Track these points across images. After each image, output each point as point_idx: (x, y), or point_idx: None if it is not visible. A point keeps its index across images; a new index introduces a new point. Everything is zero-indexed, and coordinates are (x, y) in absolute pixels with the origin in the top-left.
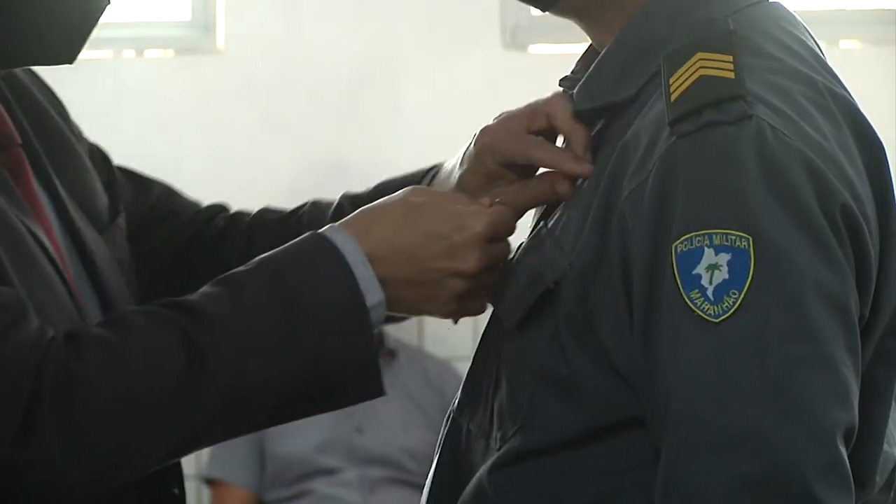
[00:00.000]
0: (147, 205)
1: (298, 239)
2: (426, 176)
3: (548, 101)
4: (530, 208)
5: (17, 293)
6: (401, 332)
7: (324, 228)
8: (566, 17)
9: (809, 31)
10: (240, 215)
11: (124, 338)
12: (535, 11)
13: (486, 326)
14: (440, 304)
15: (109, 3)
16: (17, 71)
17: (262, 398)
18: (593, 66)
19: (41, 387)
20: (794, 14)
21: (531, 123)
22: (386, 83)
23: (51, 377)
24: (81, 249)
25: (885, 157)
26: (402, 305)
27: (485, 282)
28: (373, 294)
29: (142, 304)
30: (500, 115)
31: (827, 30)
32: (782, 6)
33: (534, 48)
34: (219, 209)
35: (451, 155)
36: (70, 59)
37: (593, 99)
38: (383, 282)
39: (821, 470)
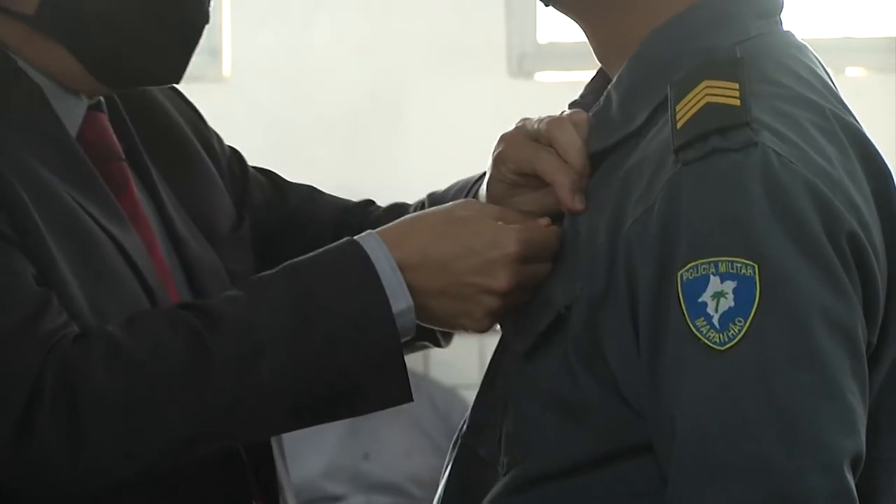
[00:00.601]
0: (287, 211)
1: (334, 244)
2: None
3: (558, 126)
4: (552, 216)
5: (42, 291)
6: (406, 358)
7: (361, 234)
8: (568, 14)
9: (819, 59)
10: (373, 210)
11: (132, 337)
12: (542, 38)
13: (495, 350)
14: (474, 319)
15: (208, 21)
16: None
17: (276, 398)
18: (603, 99)
19: (42, 385)
20: (804, 43)
21: (538, 136)
22: (393, 111)
23: (53, 376)
24: (184, 261)
25: (893, 184)
26: (435, 317)
27: (517, 300)
28: (399, 300)
29: None
30: (519, 122)
31: (833, 57)
32: (792, 35)
33: (540, 76)
34: (364, 205)
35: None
36: (176, 78)
37: (606, 138)
38: (413, 290)
39: (827, 498)
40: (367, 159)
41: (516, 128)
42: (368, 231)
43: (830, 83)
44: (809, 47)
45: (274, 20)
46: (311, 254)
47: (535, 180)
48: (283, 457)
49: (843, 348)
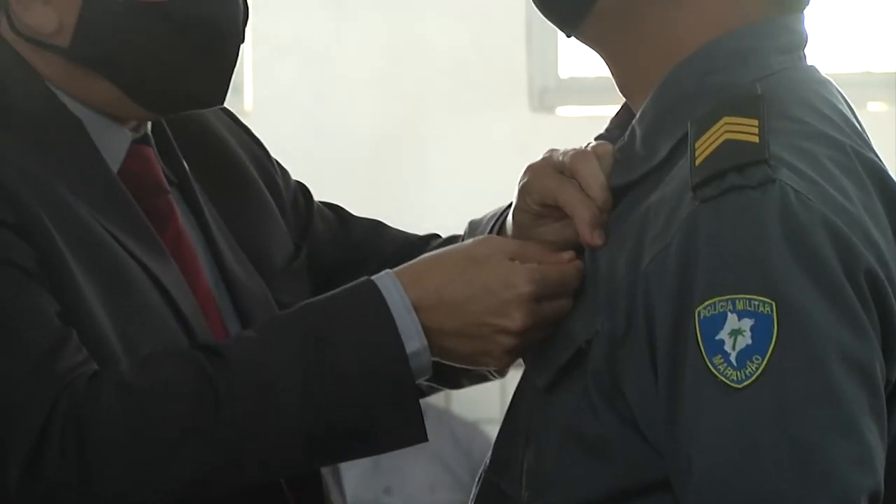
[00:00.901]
0: (350, 244)
1: (352, 283)
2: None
3: (581, 159)
4: (575, 247)
5: (61, 329)
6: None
7: (378, 274)
8: (591, 46)
9: (844, 95)
10: (437, 244)
11: (143, 378)
12: (563, 73)
13: (518, 385)
14: (495, 358)
15: (243, 40)
16: (208, 113)
17: (287, 440)
18: (627, 134)
19: (52, 425)
20: (828, 79)
21: (562, 167)
22: (415, 144)
23: (63, 416)
24: (232, 291)
25: None
26: (454, 356)
27: (535, 338)
28: (413, 341)
29: None
30: (546, 153)
31: (854, 92)
32: (815, 69)
33: (561, 110)
34: (429, 239)
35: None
36: (219, 100)
37: (628, 173)
38: (428, 331)
39: None
40: (389, 193)
41: (543, 159)
42: (386, 270)
43: (853, 118)
44: (833, 82)
45: (295, 54)
46: (329, 293)
47: (558, 211)
48: (340, 484)
49: (861, 386)
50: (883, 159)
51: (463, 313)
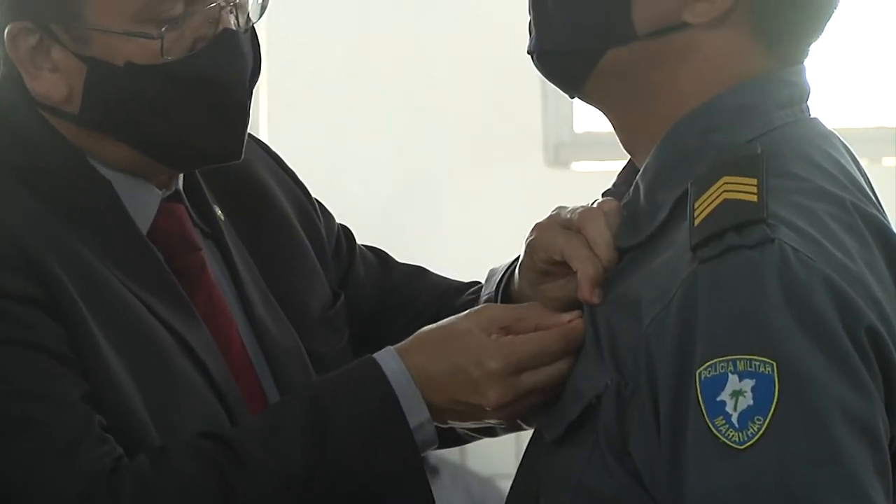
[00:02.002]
0: (388, 289)
1: (354, 362)
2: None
3: (589, 217)
4: (575, 305)
5: (83, 418)
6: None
7: (379, 352)
8: (594, 105)
9: (848, 147)
10: (476, 290)
11: (161, 474)
12: (579, 127)
13: (529, 441)
14: (490, 420)
15: (250, 98)
16: (252, 156)
17: None
18: (632, 189)
19: None
20: (831, 132)
21: (569, 224)
22: (428, 199)
23: None
24: (263, 344)
25: None
26: (458, 422)
27: (525, 407)
28: (417, 414)
29: None
30: (554, 210)
31: (869, 147)
32: (818, 122)
33: (577, 165)
34: (469, 286)
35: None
36: (236, 156)
37: (633, 236)
38: (435, 407)
39: None
40: (404, 248)
41: (550, 216)
42: (387, 347)
43: (856, 173)
44: (837, 135)
45: (310, 112)
46: (332, 373)
47: (564, 268)
48: None
49: (864, 445)
50: None
51: (443, 391)
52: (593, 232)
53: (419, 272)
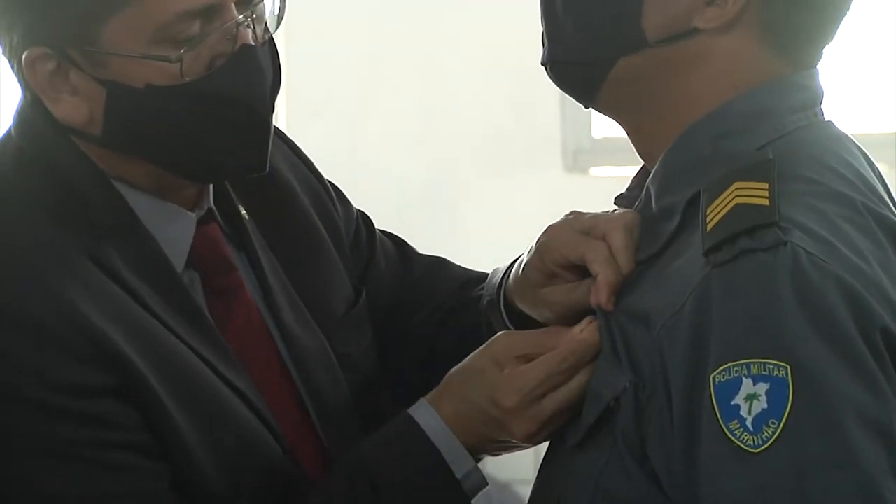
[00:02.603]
0: (411, 281)
1: (391, 422)
2: (512, 266)
3: (615, 227)
4: (570, 313)
5: (154, 489)
6: None
7: (414, 406)
8: (608, 115)
9: (863, 150)
10: (471, 286)
11: None
12: (597, 133)
13: (549, 445)
14: (527, 444)
15: (273, 110)
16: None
17: None
18: (644, 194)
19: None
20: (845, 134)
21: (590, 230)
22: (447, 205)
23: None
24: (293, 353)
25: None
26: (495, 454)
27: (557, 425)
28: (461, 465)
29: (362, 397)
30: (568, 214)
31: (887, 153)
32: (831, 125)
33: (595, 170)
34: (484, 277)
35: None
36: (262, 168)
37: (650, 247)
38: (470, 447)
39: None
40: (425, 249)
41: (565, 219)
42: (420, 400)
43: (870, 175)
44: (851, 138)
45: (327, 117)
46: (375, 436)
47: (573, 273)
48: None
49: (880, 446)
50: None
51: (474, 432)
52: (618, 241)
53: (439, 264)
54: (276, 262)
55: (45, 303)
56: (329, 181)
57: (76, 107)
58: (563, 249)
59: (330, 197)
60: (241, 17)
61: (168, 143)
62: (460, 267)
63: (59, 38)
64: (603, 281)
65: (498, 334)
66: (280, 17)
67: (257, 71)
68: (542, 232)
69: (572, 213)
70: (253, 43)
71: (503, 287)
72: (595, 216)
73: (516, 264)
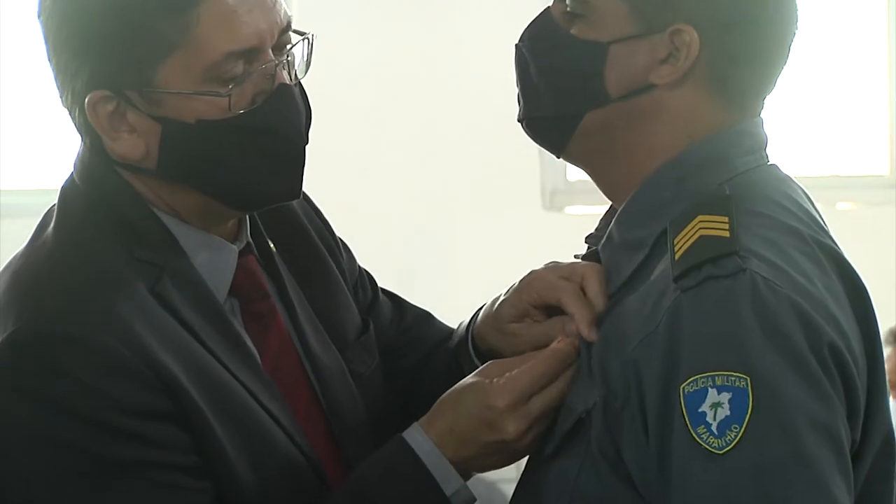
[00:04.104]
0: (402, 327)
1: (385, 446)
2: (479, 311)
3: (589, 269)
4: (536, 345)
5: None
6: None
7: (408, 430)
8: (577, 164)
9: (804, 189)
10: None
11: None
12: (571, 176)
13: (528, 459)
14: (519, 455)
15: (307, 142)
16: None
17: None
18: (606, 235)
19: None
20: (788, 175)
21: (570, 276)
22: (441, 240)
23: None
24: (316, 371)
25: (868, 295)
26: (489, 468)
27: (537, 433)
28: (450, 483)
29: (375, 414)
30: (548, 263)
31: (825, 194)
32: (776, 168)
33: (570, 209)
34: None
35: None
36: (296, 195)
37: (617, 279)
38: (459, 464)
39: None
40: (422, 277)
41: (545, 266)
42: (413, 424)
43: (811, 209)
44: (792, 178)
45: (335, 162)
46: (370, 459)
47: (540, 315)
48: None
49: (828, 448)
50: (854, 253)
51: (472, 442)
52: (593, 285)
53: (427, 316)
54: (297, 288)
55: (113, 333)
56: (340, 238)
57: (134, 143)
58: (542, 290)
59: (337, 245)
60: (277, 59)
61: (216, 173)
62: (441, 322)
63: (119, 81)
64: (581, 320)
65: (487, 363)
66: (308, 65)
67: (294, 107)
68: (525, 275)
69: (552, 262)
70: (289, 82)
71: (471, 328)
72: (572, 265)
73: (486, 306)
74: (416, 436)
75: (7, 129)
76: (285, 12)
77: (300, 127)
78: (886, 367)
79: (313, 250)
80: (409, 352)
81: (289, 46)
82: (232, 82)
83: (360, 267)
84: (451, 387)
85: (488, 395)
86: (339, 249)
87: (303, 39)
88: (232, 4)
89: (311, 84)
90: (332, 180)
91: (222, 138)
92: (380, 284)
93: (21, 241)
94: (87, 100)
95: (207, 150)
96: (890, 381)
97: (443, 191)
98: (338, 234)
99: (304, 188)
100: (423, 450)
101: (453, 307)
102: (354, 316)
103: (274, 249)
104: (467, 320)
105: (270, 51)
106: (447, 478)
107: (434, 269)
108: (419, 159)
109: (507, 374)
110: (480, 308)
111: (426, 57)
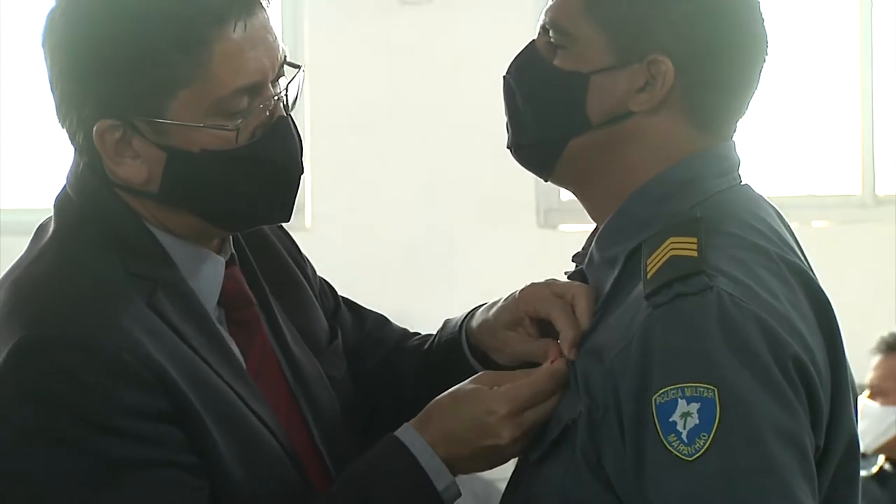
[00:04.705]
0: (364, 333)
1: (380, 443)
2: (476, 309)
3: (580, 290)
4: (523, 358)
5: (196, 501)
6: None
7: (399, 430)
8: (564, 186)
9: (775, 208)
10: (407, 339)
11: None
12: (564, 197)
13: (518, 461)
14: (504, 459)
15: (303, 171)
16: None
17: None
18: (588, 254)
19: None
20: (760, 195)
21: (563, 294)
22: (444, 253)
23: None
24: (297, 376)
25: (832, 310)
26: (475, 470)
27: (526, 442)
28: (442, 479)
29: (349, 416)
30: (548, 280)
31: (801, 212)
32: (749, 188)
33: (563, 227)
34: (415, 333)
35: None
36: (287, 218)
37: (598, 298)
38: (449, 463)
39: None
40: (423, 290)
41: (544, 281)
42: (405, 424)
43: (781, 228)
44: (764, 198)
45: (347, 180)
46: (367, 455)
47: (532, 326)
48: None
49: (793, 454)
50: (827, 270)
51: (466, 443)
52: (582, 305)
53: (384, 320)
54: (274, 298)
55: (115, 338)
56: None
57: (137, 169)
58: (537, 303)
59: (301, 256)
60: (276, 95)
61: (216, 199)
62: (396, 324)
63: (129, 111)
64: (565, 339)
65: (481, 372)
66: (295, 100)
67: (291, 138)
68: (524, 286)
69: (552, 279)
70: (286, 115)
71: (464, 328)
72: (567, 284)
73: (483, 308)
74: (410, 436)
75: (5, 148)
76: (281, 46)
77: (297, 157)
78: (875, 374)
79: (283, 262)
80: (370, 355)
81: (285, 81)
82: (238, 116)
83: (320, 278)
84: (422, 384)
85: (492, 402)
86: (303, 260)
87: (298, 72)
88: (240, 42)
89: (323, 109)
90: (343, 199)
91: (225, 167)
92: (383, 292)
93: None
94: (95, 128)
95: (210, 178)
96: (879, 387)
97: (447, 209)
98: (350, 247)
99: (322, 208)
100: (416, 447)
101: (455, 313)
102: (324, 323)
103: (253, 260)
104: (458, 320)
105: (270, 84)
106: (439, 474)
107: (438, 280)
108: (426, 181)
109: (509, 385)
110: (472, 310)
111: (432, 89)
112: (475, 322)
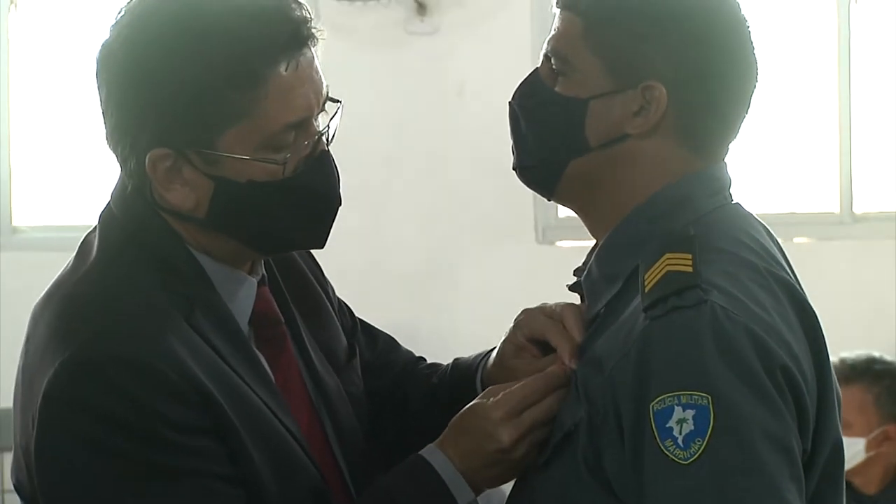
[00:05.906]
0: (375, 352)
1: (408, 460)
2: (490, 352)
3: (567, 308)
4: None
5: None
6: None
7: (425, 449)
8: (565, 205)
9: (764, 225)
10: (415, 364)
11: None
12: (562, 214)
13: None
14: (519, 467)
15: (341, 203)
16: None
17: None
18: (587, 269)
19: None
20: (750, 213)
21: (552, 314)
22: (448, 267)
23: None
24: (321, 393)
25: (818, 321)
26: (496, 481)
27: (536, 439)
28: (463, 495)
29: (365, 430)
30: (540, 304)
31: (783, 229)
32: (739, 205)
33: (561, 243)
34: (421, 359)
35: (497, 325)
36: (322, 244)
37: (594, 307)
38: (468, 476)
39: None
40: (429, 306)
41: (537, 306)
42: (429, 445)
43: (770, 244)
44: (753, 215)
45: (356, 205)
46: (395, 472)
47: (536, 348)
48: None
49: (781, 458)
50: (806, 279)
51: (476, 454)
52: (570, 320)
53: (394, 342)
54: (299, 316)
55: (162, 357)
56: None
57: (186, 196)
58: (532, 327)
59: (324, 277)
60: (321, 129)
61: (259, 226)
62: (404, 347)
63: (183, 142)
64: (563, 351)
65: (488, 388)
66: (333, 135)
67: (332, 171)
68: (518, 314)
69: (543, 303)
70: (327, 149)
71: (480, 371)
72: (556, 304)
73: (493, 353)
74: (434, 454)
75: (22, 167)
76: (325, 83)
77: (337, 189)
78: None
79: (307, 282)
80: (382, 374)
81: (326, 116)
82: (285, 150)
83: (338, 298)
84: (425, 414)
85: (487, 409)
86: (325, 280)
87: (339, 108)
88: (291, 80)
89: (340, 144)
90: (361, 219)
91: (270, 198)
92: (393, 305)
93: (41, 274)
94: (148, 156)
95: (255, 207)
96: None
97: (449, 226)
98: (357, 265)
99: (342, 226)
100: (440, 465)
101: (458, 325)
102: (343, 341)
103: (281, 281)
104: (471, 361)
105: (313, 120)
106: (460, 489)
107: (441, 294)
108: (429, 199)
109: (504, 391)
110: (483, 354)
111: (436, 114)
112: (488, 368)
